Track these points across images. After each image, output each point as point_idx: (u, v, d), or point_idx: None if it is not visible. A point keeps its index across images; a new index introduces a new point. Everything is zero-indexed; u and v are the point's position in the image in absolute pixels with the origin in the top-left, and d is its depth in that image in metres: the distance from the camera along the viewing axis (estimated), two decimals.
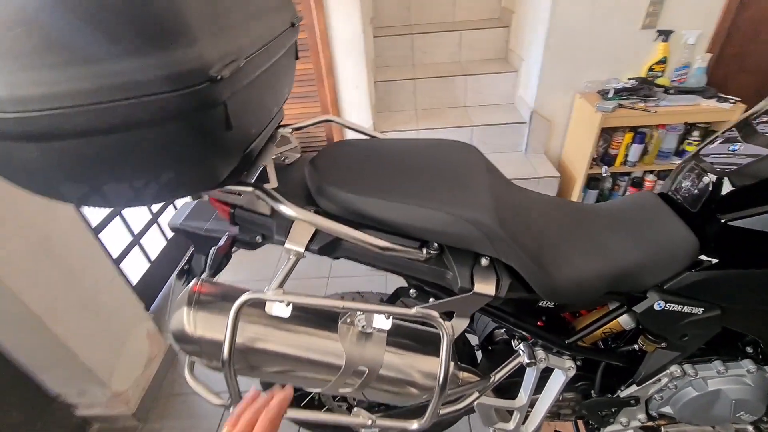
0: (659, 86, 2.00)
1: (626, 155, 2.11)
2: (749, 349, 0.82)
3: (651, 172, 2.20)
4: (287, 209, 0.57)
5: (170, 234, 2.11)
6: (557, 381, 0.82)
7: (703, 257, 0.69)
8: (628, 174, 2.26)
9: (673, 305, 0.71)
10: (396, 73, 2.59)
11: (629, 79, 2.07)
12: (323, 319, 0.71)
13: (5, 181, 0.44)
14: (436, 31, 2.67)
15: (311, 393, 1.02)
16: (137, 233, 1.87)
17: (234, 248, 0.76)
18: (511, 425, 0.87)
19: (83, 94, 0.37)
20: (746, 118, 0.72)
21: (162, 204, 2.10)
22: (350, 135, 2.48)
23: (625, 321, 0.78)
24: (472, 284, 0.62)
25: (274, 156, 0.71)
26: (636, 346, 0.82)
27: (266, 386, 1.03)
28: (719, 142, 0.73)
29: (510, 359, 0.78)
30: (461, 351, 0.96)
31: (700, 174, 0.71)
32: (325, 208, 0.63)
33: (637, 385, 0.84)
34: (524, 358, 0.76)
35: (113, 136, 0.40)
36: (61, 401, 1.37)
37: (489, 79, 2.52)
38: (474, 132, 2.41)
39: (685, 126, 2.02)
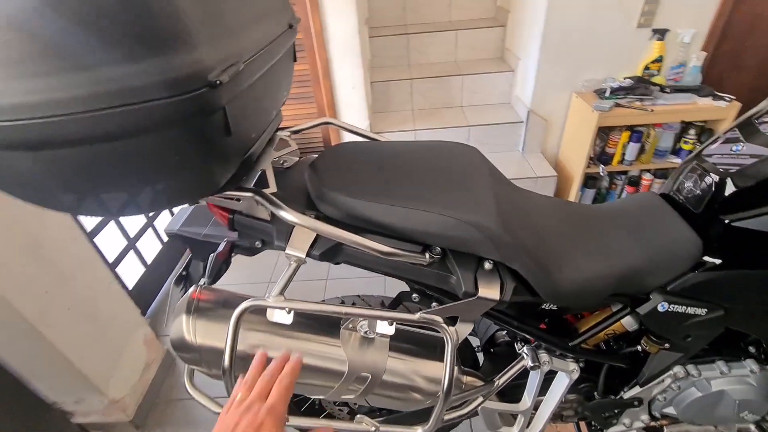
0: (655, 85, 2.00)
1: (623, 154, 2.11)
2: (752, 349, 0.82)
3: (648, 170, 2.21)
4: (288, 215, 0.56)
5: (166, 238, 2.09)
6: (561, 384, 0.81)
7: (706, 258, 0.69)
8: (624, 173, 2.27)
9: (676, 306, 0.71)
10: (392, 74, 2.58)
11: (625, 78, 2.08)
12: (325, 325, 0.70)
13: None
14: (431, 31, 2.66)
15: (311, 399, 1.00)
16: (132, 237, 1.85)
17: (233, 254, 0.75)
18: (515, 429, 0.86)
19: (78, 102, 0.36)
20: (748, 118, 0.72)
21: None
22: (348, 137, 2.47)
23: (628, 322, 0.77)
24: (476, 288, 0.61)
25: (273, 160, 0.70)
26: (639, 348, 0.81)
27: None
28: (721, 142, 0.72)
29: (514, 363, 0.78)
30: (463, 354, 0.96)
31: (703, 174, 0.71)
32: (326, 213, 0.62)
33: (641, 387, 0.84)
34: (528, 362, 0.75)
35: (110, 144, 0.39)
36: (57, 409, 1.35)
37: (485, 78, 2.52)
38: (471, 132, 2.40)
39: (681, 124, 2.02)
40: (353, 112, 2.38)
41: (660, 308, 0.71)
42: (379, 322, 0.66)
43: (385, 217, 0.59)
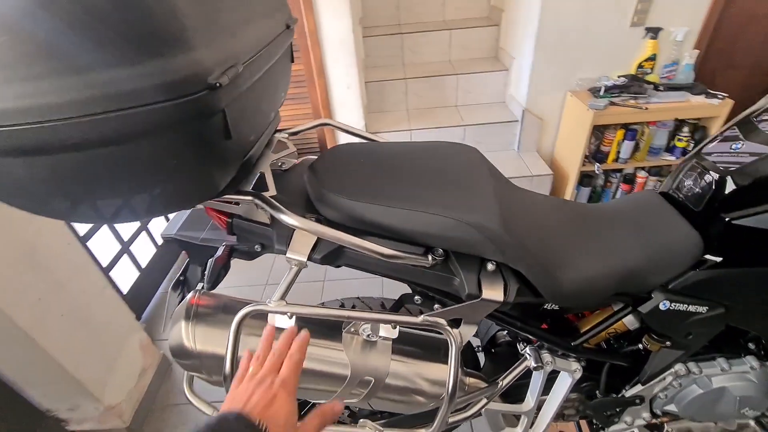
0: (649, 83, 2.01)
1: (618, 152, 2.12)
2: (751, 346, 0.83)
3: (642, 168, 2.22)
4: (288, 218, 0.55)
5: (160, 241, 2.07)
6: (564, 383, 0.81)
7: (707, 256, 0.69)
8: (619, 171, 2.28)
9: (678, 305, 0.71)
10: (386, 74, 2.58)
11: (619, 76, 2.08)
12: (326, 329, 0.69)
13: None
14: (425, 31, 2.66)
15: (311, 403, 0.99)
16: (126, 241, 1.82)
17: (231, 258, 0.73)
18: (519, 430, 0.86)
19: (72, 106, 0.35)
20: (747, 116, 0.72)
21: None
22: (344, 138, 2.46)
23: (629, 321, 0.77)
24: (480, 290, 0.60)
25: (272, 162, 0.69)
26: (640, 346, 0.81)
27: None
28: (721, 140, 0.72)
29: (517, 364, 0.77)
30: (464, 355, 0.95)
31: (703, 173, 0.71)
32: (327, 216, 0.61)
33: (642, 385, 0.84)
34: (531, 362, 0.75)
35: (105, 150, 0.38)
36: (51, 417, 1.33)
37: (480, 78, 2.52)
38: (466, 131, 2.40)
39: (675, 122, 2.04)
40: (348, 113, 2.37)
41: (662, 307, 0.71)
42: (382, 325, 0.65)
43: (386, 218, 0.59)
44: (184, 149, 0.41)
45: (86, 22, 0.34)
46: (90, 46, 0.34)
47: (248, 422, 0.39)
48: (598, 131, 2.11)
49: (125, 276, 1.79)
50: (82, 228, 1.47)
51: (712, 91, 1.94)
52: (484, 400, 0.76)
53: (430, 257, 0.60)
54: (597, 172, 2.18)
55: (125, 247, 1.80)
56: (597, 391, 0.89)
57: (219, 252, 0.71)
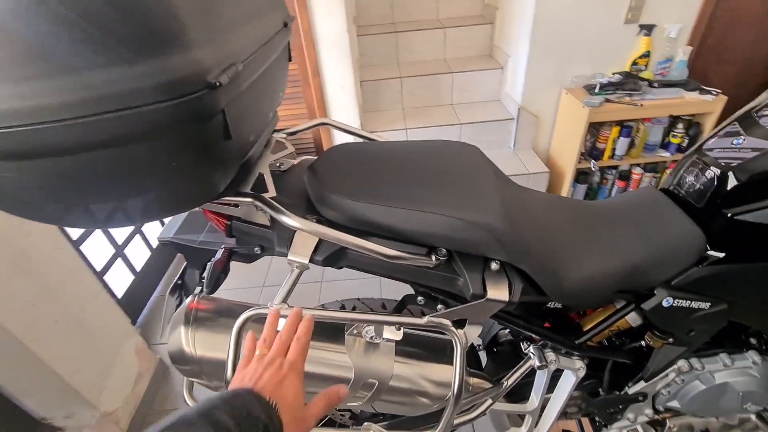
0: (643, 80, 2.02)
1: (614, 149, 2.13)
2: (753, 341, 0.83)
3: (638, 165, 2.23)
4: (290, 220, 0.54)
5: (155, 243, 2.04)
6: (568, 382, 0.81)
7: (710, 252, 0.69)
8: (615, 167, 2.29)
9: (681, 301, 0.71)
10: (381, 72, 2.56)
11: (614, 73, 2.09)
12: (328, 331, 0.68)
13: None
14: (419, 29, 2.65)
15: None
16: (120, 244, 1.79)
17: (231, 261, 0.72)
18: (524, 429, 0.85)
19: (67, 108, 0.33)
20: (747, 111, 0.72)
21: None
22: (341, 138, 2.45)
23: (632, 318, 0.77)
24: (485, 290, 0.60)
25: (270, 163, 0.68)
26: (643, 343, 0.81)
27: None
28: (722, 136, 0.72)
29: (521, 363, 0.77)
30: (467, 355, 0.94)
31: (704, 168, 0.71)
32: (328, 217, 0.60)
33: (645, 381, 0.84)
34: (535, 362, 0.74)
35: (101, 152, 0.37)
36: (46, 425, 1.30)
37: (475, 76, 2.52)
38: (462, 129, 2.40)
39: (669, 119, 2.05)
40: (343, 112, 2.35)
41: (665, 303, 0.71)
42: (386, 327, 0.64)
43: (388, 219, 0.58)
44: (183, 150, 0.40)
45: (80, 21, 0.32)
46: (84, 46, 0.33)
47: (260, 398, 0.41)
48: (594, 128, 2.11)
49: (120, 280, 1.77)
50: (74, 232, 1.45)
51: (705, 88, 1.95)
52: (489, 401, 0.76)
53: (433, 257, 0.59)
54: (593, 169, 2.19)
55: (119, 251, 1.78)
56: (600, 389, 0.89)
57: (218, 255, 0.70)
